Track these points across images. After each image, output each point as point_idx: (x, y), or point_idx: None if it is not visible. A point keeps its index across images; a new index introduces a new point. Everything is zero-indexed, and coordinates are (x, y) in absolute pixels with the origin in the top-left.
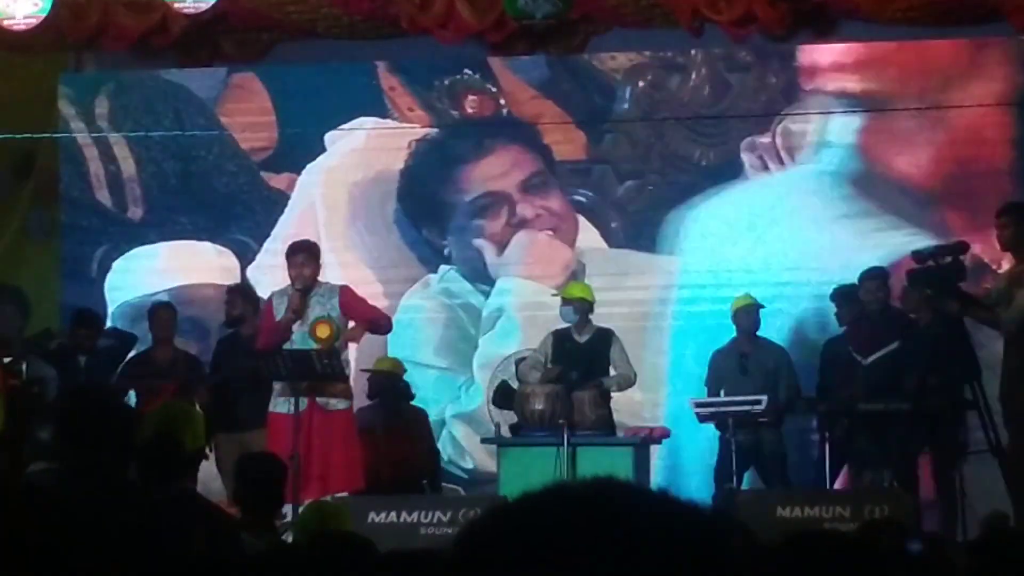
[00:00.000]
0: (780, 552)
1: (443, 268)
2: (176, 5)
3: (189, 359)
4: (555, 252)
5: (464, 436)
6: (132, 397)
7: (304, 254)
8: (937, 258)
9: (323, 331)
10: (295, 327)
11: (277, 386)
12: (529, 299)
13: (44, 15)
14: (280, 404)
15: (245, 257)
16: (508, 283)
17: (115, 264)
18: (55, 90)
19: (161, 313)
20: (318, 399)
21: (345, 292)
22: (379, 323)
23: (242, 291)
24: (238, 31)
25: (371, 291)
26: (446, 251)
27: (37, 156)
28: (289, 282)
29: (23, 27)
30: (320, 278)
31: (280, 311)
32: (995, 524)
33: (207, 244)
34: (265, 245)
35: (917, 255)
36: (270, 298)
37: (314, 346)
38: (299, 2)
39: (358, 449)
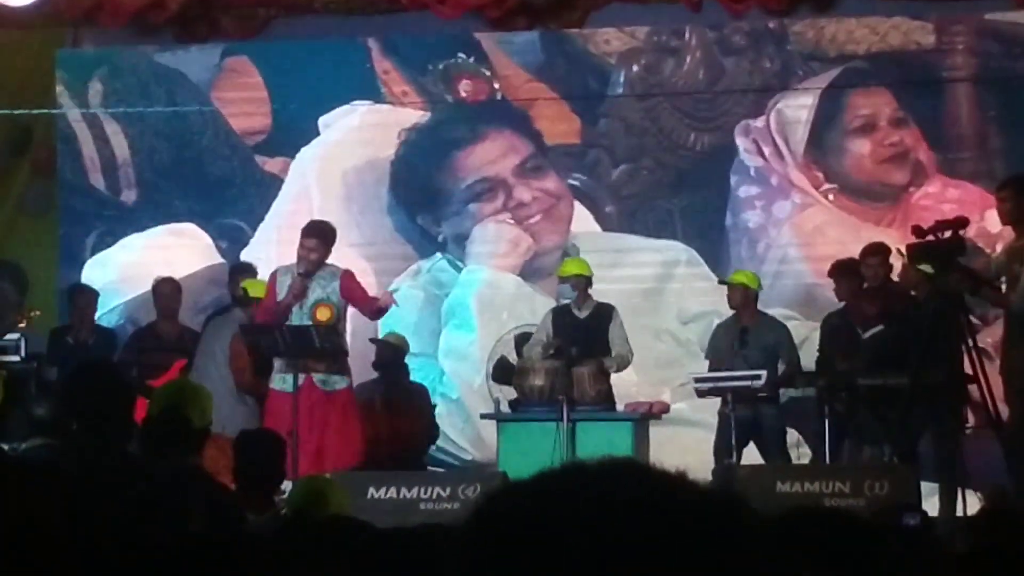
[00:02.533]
0: (776, 527)
1: (435, 256)
2: None
3: (195, 335)
4: (516, 239)
5: (446, 423)
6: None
7: (316, 239)
8: (937, 232)
9: (323, 313)
10: (294, 310)
11: (276, 363)
12: (485, 288)
13: None
14: (278, 381)
15: (239, 241)
16: (468, 273)
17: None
18: (52, 66)
19: (164, 287)
20: (316, 377)
21: (346, 276)
22: (374, 312)
23: (242, 268)
24: (235, 7)
25: (363, 277)
26: (440, 237)
27: (34, 131)
28: (296, 259)
29: (20, 3)
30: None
31: (283, 288)
32: (995, 499)
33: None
34: (259, 229)
35: (917, 229)
36: (274, 273)
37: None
38: None
39: (357, 428)
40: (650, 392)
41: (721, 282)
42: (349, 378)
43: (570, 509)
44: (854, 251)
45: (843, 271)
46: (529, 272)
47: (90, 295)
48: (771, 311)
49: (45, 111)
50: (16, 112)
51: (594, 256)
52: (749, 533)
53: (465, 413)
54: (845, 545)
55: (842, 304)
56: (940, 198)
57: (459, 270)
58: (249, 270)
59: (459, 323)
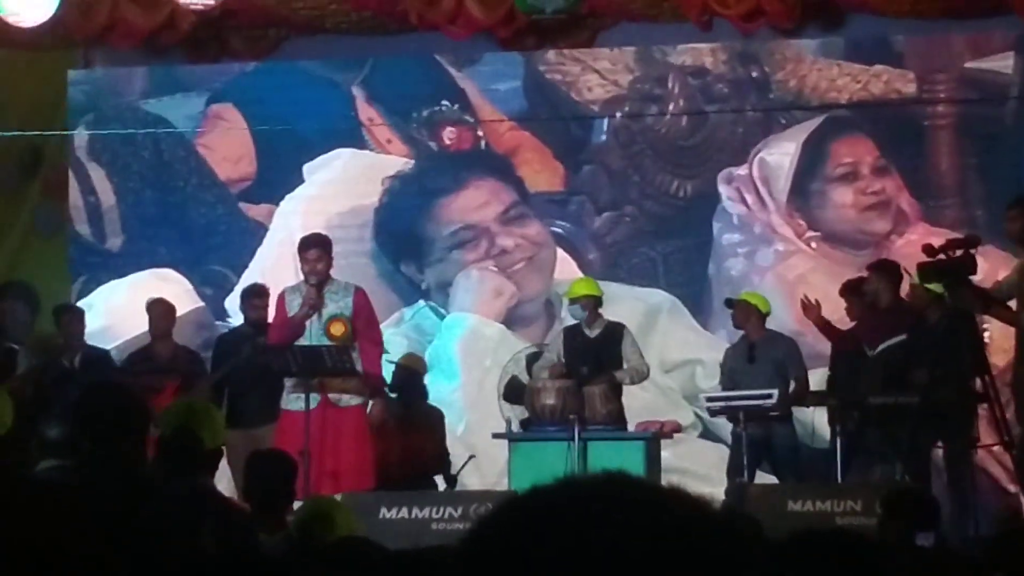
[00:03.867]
0: (786, 549)
1: (419, 303)
2: (183, 1)
3: (190, 354)
4: (499, 287)
5: None
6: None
7: (317, 249)
8: (948, 251)
9: (338, 329)
10: (310, 323)
11: (289, 383)
12: (469, 335)
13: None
14: (292, 401)
15: (224, 288)
16: (451, 320)
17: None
18: (64, 87)
19: (156, 308)
20: (330, 396)
21: (359, 294)
22: (372, 352)
23: (257, 292)
24: (246, 27)
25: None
26: (423, 285)
27: (46, 152)
28: (301, 278)
29: (31, 23)
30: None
31: (293, 307)
32: (1007, 518)
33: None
34: (243, 276)
35: (928, 248)
36: (282, 294)
37: (326, 342)
38: None
39: (369, 446)
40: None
41: (727, 302)
42: (363, 397)
43: (563, 526)
44: (836, 299)
45: (853, 290)
46: (512, 319)
47: (76, 314)
48: None
49: (56, 132)
50: (28, 133)
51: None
52: (742, 548)
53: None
54: (857, 566)
55: (853, 324)
56: (924, 244)
57: (442, 317)
58: (263, 292)
59: (442, 370)
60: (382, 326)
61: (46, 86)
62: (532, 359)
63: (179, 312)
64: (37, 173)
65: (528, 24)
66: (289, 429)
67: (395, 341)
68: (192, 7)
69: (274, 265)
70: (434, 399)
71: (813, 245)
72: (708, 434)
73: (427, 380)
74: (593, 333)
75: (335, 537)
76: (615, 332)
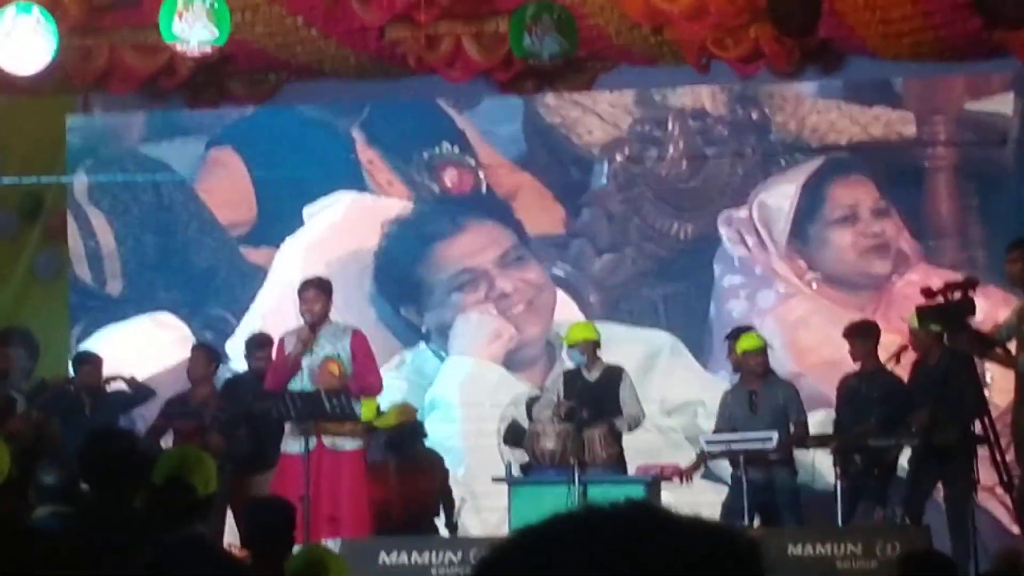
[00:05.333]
0: None
1: (418, 346)
2: (180, 48)
3: (219, 400)
4: (499, 329)
5: None
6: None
7: (314, 290)
8: (946, 294)
9: (333, 368)
10: (303, 362)
11: (287, 427)
12: (468, 378)
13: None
14: (291, 445)
15: (224, 332)
16: (451, 363)
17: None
18: (63, 132)
19: (195, 353)
20: (325, 440)
21: (357, 336)
22: (370, 391)
23: (260, 343)
24: (245, 72)
25: None
26: (423, 328)
27: (45, 197)
28: (302, 322)
29: (30, 71)
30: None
31: (290, 345)
32: (1007, 561)
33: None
34: (244, 319)
35: (927, 291)
36: (282, 339)
37: (320, 383)
38: (306, 42)
39: (366, 491)
40: None
41: (742, 353)
42: (360, 440)
43: (583, 554)
44: (837, 341)
45: (859, 333)
46: (512, 362)
47: (95, 363)
48: None
49: (55, 178)
50: (26, 181)
51: None
52: (763, 569)
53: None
54: None
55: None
56: (922, 286)
57: (442, 360)
58: (266, 343)
59: (442, 413)
60: (382, 369)
61: (45, 131)
62: (532, 403)
63: (179, 358)
64: (37, 219)
65: (527, 67)
66: (288, 473)
67: (395, 384)
68: (189, 52)
69: (274, 309)
70: (433, 442)
71: (814, 286)
72: (710, 475)
73: (426, 426)
74: (592, 376)
75: None
76: (614, 375)
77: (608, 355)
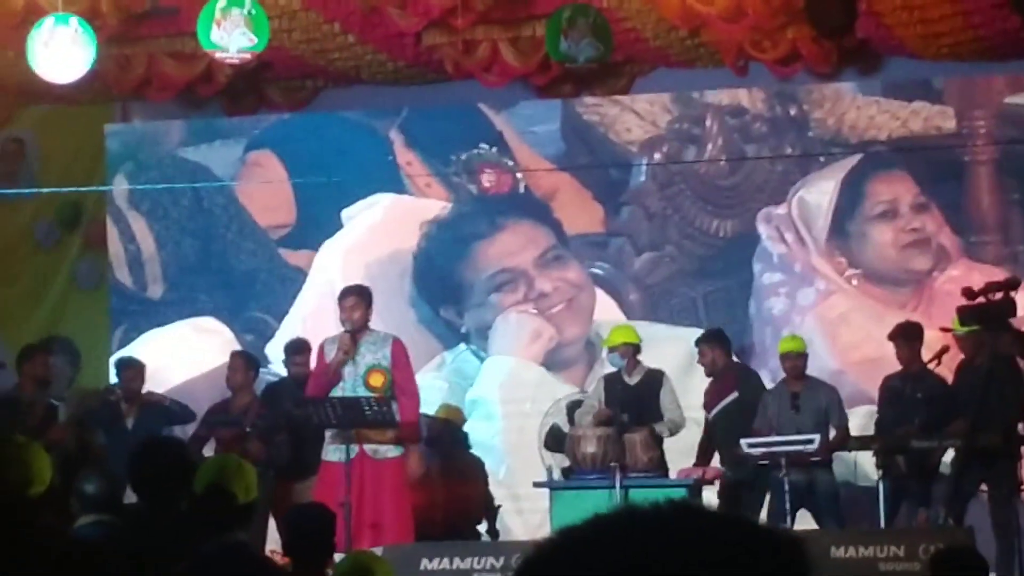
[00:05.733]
0: None
1: (459, 347)
2: (219, 55)
3: (260, 409)
4: (538, 329)
5: None
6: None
7: (354, 297)
8: (987, 294)
9: (376, 379)
10: (345, 371)
11: (328, 434)
12: (508, 378)
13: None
14: (331, 452)
15: (265, 335)
16: (491, 364)
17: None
18: (102, 141)
19: (234, 361)
20: (367, 447)
21: (397, 345)
22: (408, 403)
23: (298, 348)
24: (283, 79)
25: None
26: (463, 329)
27: (85, 206)
28: (341, 329)
29: (68, 80)
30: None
31: (331, 357)
32: None
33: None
34: (284, 322)
35: (967, 292)
36: (321, 345)
37: (365, 393)
38: (343, 48)
39: (408, 499)
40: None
41: (781, 353)
42: (402, 448)
43: (625, 553)
44: (878, 338)
45: (904, 334)
46: (552, 362)
47: (138, 369)
48: None
49: (94, 188)
50: (65, 190)
51: None
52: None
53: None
54: None
55: (901, 366)
56: (964, 282)
57: (482, 360)
58: (304, 349)
59: (483, 414)
60: (423, 370)
61: (84, 141)
62: (573, 407)
63: (220, 361)
64: (76, 228)
65: (564, 71)
66: (329, 481)
67: (436, 385)
68: (228, 60)
69: (314, 311)
70: (474, 442)
71: (854, 283)
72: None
73: (467, 427)
74: (633, 380)
75: None
76: (655, 379)
77: (648, 354)
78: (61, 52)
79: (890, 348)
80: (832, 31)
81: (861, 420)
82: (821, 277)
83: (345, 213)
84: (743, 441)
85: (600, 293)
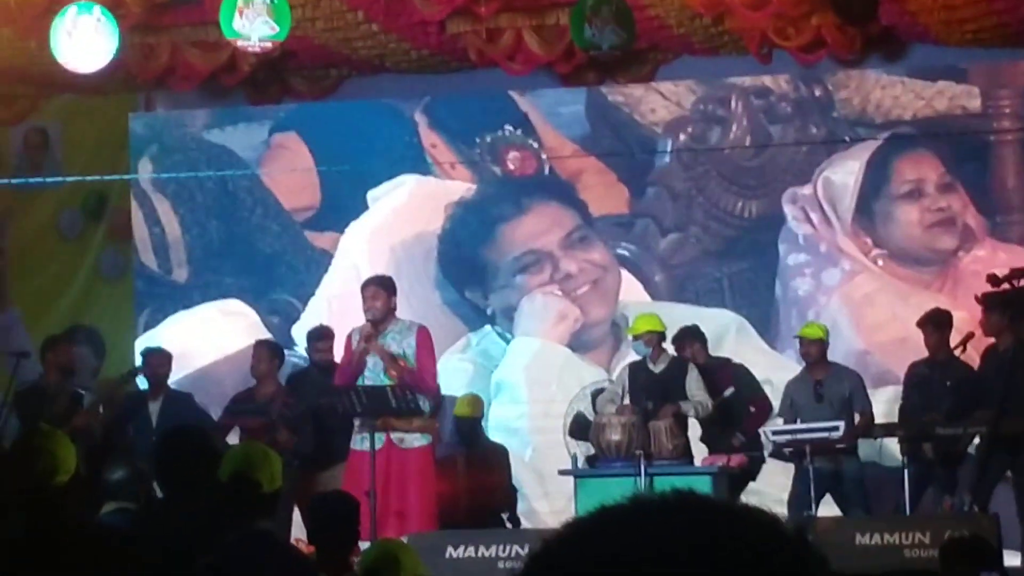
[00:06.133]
0: None
1: (484, 328)
2: (241, 44)
3: (286, 398)
4: (564, 311)
5: None
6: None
7: (374, 287)
8: (1012, 280)
9: (397, 369)
10: (369, 361)
11: (356, 423)
12: (534, 360)
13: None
14: (358, 441)
15: (290, 317)
16: (517, 345)
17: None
18: (126, 130)
19: (259, 350)
20: (393, 435)
21: (422, 333)
22: (426, 392)
23: (320, 335)
24: (306, 67)
25: None
26: (489, 310)
27: (110, 196)
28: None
29: (92, 69)
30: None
31: (357, 342)
32: None
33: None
34: (310, 304)
35: (992, 278)
36: (349, 335)
37: (388, 382)
38: (367, 37)
39: (433, 487)
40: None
41: (796, 337)
42: (431, 435)
43: (632, 545)
44: (903, 318)
45: (933, 322)
46: (578, 344)
47: (164, 357)
48: None
49: (119, 176)
50: (90, 179)
51: None
52: (817, 561)
53: (516, 485)
54: None
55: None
56: (990, 262)
57: (507, 342)
58: (327, 335)
59: (508, 396)
60: (448, 352)
61: (108, 130)
62: (597, 394)
63: (245, 343)
64: (101, 218)
65: (588, 59)
66: (356, 469)
67: (461, 368)
68: (250, 48)
69: (340, 293)
70: (500, 424)
71: (880, 263)
72: (779, 455)
73: (492, 409)
74: (658, 368)
75: None
76: (680, 366)
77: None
78: (84, 41)
79: (916, 328)
80: (856, 18)
81: (887, 401)
82: (847, 257)
83: (370, 195)
84: (767, 430)
85: (625, 274)
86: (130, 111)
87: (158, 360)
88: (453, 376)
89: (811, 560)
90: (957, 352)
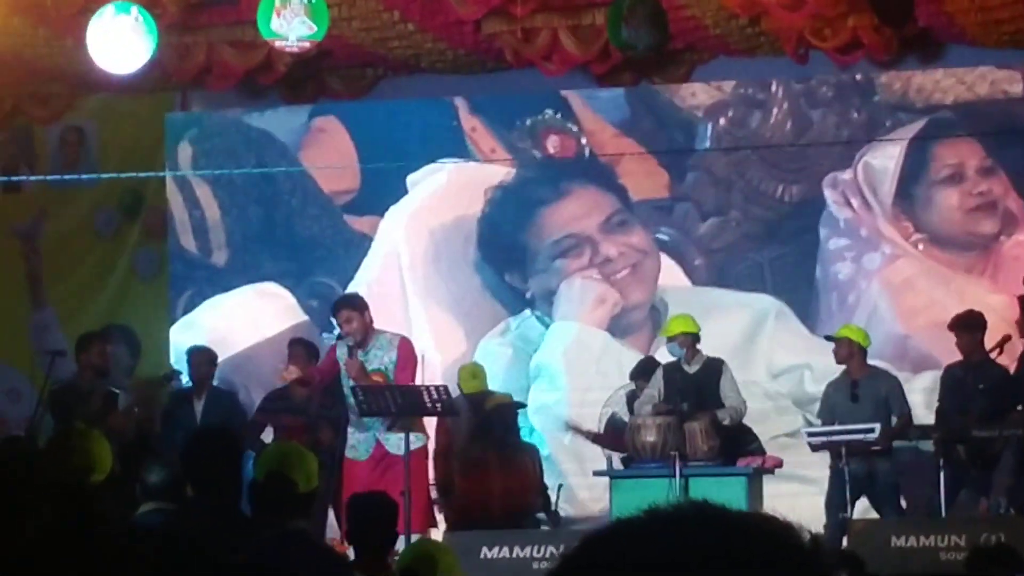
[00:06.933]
0: None
1: (524, 312)
2: (278, 44)
3: (324, 398)
4: (603, 295)
5: None
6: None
7: (347, 310)
8: None
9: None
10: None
11: (350, 430)
12: (573, 344)
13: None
14: (348, 449)
15: (330, 300)
16: (556, 329)
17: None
18: (162, 130)
19: (296, 348)
20: (387, 440)
21: (404, 346)
22: None
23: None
24: (342, 67)
25: (452, 335)
26: (528, 294)
27: (146, 195)
28: (406, 291)
29: (128, 71)
30: (378, 326)
31: (343, 357)
32: None
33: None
34: (349, 288)
35: None
36: (334, 345)
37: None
38: (403, 37)
39: (425, 488)
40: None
41: (827, 338)
42: (424, 436)
43: (645, 558)
44: (943, 302)
45: (965, 325)
46: (617, 328)
47: (207, 355)
48: None
49: (153, 174)
50: (124, 176)
51: (683, 310)
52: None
53: (557, 470)
54: None
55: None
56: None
57: (547, 326)
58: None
59: (547, 380)
60: (487, 336)
61: (145, 129)
62: (632, 397)
63: (283, 326)
64: (137, 217)
65: (624, 60)
66: (350, 477)
67: (500, 352)
68: (288, 48)
69: (379, 277)
70: (539, 408)
71: (920, 248)
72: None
73: (531, 392)
74: (692, 369)
75: None
76: (714, 368)
77: (714, 321)
78: (121, 42)
79: (956, 311)
80: (893, 18)
81: (924, 390)
82: (887, 242)
83: (410, 179)
84: (804, 430)
85: (665, 259)
86: (166, 110)
87: (201, 359)
88: (492, 360)
89: (824, 569)
90: (993, 355)
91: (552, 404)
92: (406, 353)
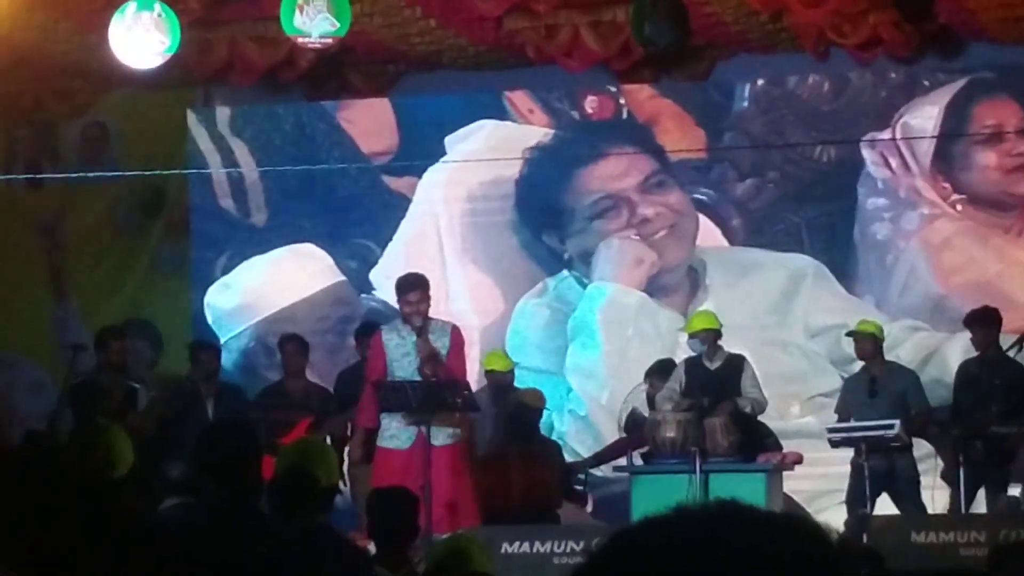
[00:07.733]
0: None
1: (561, 273)
2: (301, 40)
3: (322, 392)
4: (641, 255)
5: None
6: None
7: (420, 291)
8: None
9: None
10: (406, 361)
11: (389, 420)
12: (610, 304)
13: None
14: (386, 439)
15: (368, 261)
16: (593, 290)
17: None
18: (184, 126)
19: (289, 345)
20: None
21: (456, 333)
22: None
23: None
24: (365, 63)
25: (490, 295)
26: (566, 255)
27: (167, 192)
28: (443, 252)
29: (150, 66)
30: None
31: (390, 346)
32: None
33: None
34: (387, 248)
35: None
36: (379, 331)
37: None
38: (425, 33)
39: (468, 484)
40: (779, 406)
41: (849, 334)
42: (463, 434)
43: (673, 558)
44: (982, 262)
45: (980, 320)
46: (654, 288)
47: (212, 351)
48: (900, 323)
49: (176, 171)
50: (148, 173)
51: (720, 271)
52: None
53: (594, 431)
54: None
55: (978, 353)
56: None
57: (584, 287)
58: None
59: (585, 340)
60: (525, 296)
61: (166, 125)
62: (653, 392)
63: (320, 287)
64: (159, 213)
65: (645, 56)
66: (387, 467)
67: (538, 312)
68: (310, 45)
69: (417, 237)
70: (576, 368)
71: (958, 208)
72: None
73: (570, 350)
74: (714, 365)
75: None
76: (736, 364)
77: (752, 281)
78: (144, 38)
79: (994, 271)
80: (915, 14)
81: (963, 350)
82: (925, 202)
83: (448, 140)
84: (824, 426)
85: (703, 219)
86: (188, 106)
87: (206, 355)
88: (530, 319)
89: (852, 571)
90: (1012, 353)
91: (589, 365)
92: (459, 339)
